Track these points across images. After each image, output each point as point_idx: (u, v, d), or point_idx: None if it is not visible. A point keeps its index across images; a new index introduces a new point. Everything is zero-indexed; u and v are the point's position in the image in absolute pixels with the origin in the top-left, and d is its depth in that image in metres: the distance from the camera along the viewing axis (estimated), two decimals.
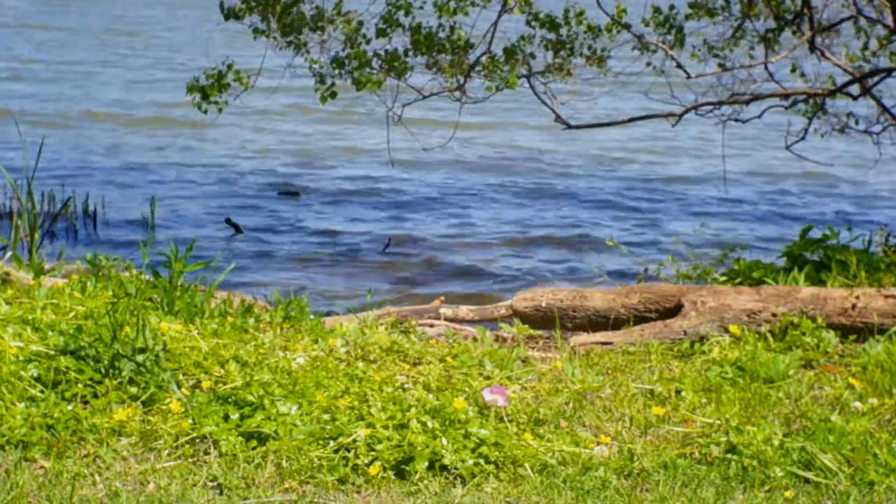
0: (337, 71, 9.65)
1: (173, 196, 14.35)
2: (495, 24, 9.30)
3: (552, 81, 9.81)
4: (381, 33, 9.56)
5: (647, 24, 9.66)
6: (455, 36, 9.56)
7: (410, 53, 9.70)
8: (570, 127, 9.83)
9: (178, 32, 31.17)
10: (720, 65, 9.78)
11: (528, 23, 9.67)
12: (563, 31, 9.65)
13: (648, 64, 10.07)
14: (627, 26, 9.53)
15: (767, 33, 9.49)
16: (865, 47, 9.75)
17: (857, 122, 10.21)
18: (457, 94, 9.68)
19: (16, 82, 22.26)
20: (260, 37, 9.69)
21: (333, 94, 9.79)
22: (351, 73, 9.54)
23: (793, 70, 9.84)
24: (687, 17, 9.85)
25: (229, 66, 9.68)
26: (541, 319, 6.35)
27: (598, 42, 9.66)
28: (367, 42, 9.67)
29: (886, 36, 9.69)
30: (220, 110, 9.80)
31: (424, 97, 9.86)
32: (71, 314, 5.05)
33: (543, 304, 6.37)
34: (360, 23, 9.63)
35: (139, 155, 16.69)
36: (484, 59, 9.56)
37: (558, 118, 9.73)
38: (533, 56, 9.76)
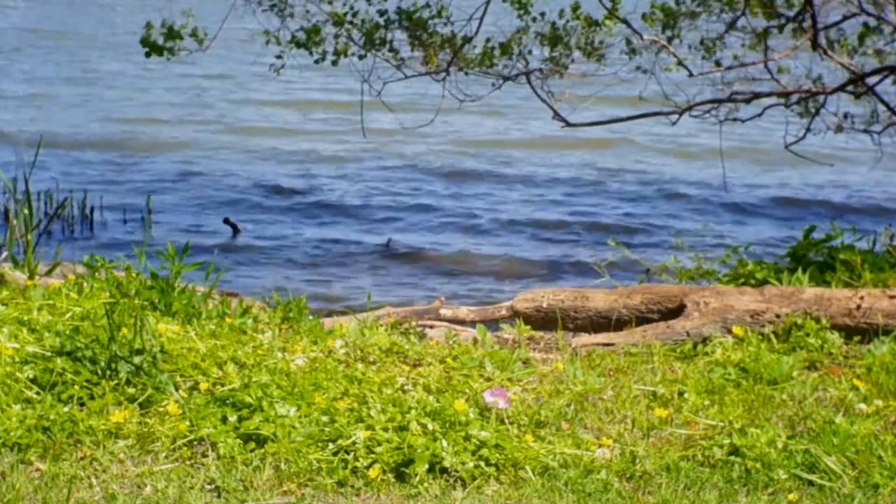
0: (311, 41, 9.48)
1: (171, 196, 14.29)
2: (486, 4, 9.18)
3: (550, 77, 9.72)
4: None
5: (647, 21, 9.57)
6: (443, 18, 9.42)
7: (394, 28, 9.56)
8: (568, 125, 9.77)
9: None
10: (717, 62, 9.72)
11: (519, 16, 9.56)
12: (560, 22, 9.54)
13: (638, 68, 10.00)
14: (626, 22, 9.45)
15: (767, 30, 9.43)
16: (861, 44, 9.68)
17: (853, 123, 10.15)
18: (440, 75, 9.53)
19: (11, 82, 22.19)
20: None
21: (298, 45, 9.59)
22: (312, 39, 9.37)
23: (780, 70, 9.76)
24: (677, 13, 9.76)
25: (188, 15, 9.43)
26: (542, 320, 6.32)
27: (594, 35, 9.54)
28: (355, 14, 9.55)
29: (875, 28, 9.62)
30: (172, 54, 9.53)
31: (406, 77, 9.75)
32: (67, 315, 5.02)
33: (544, 305, 6.34)
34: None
35: (136, 155, 16.64)
36: (475, 47, 9.43)
37: (557, 116, 9.67)
38: (530, 52, 9.66)
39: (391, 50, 9.63)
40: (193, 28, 9.44)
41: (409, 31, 9.54)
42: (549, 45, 9.57)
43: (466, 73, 9.66)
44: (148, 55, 9.56)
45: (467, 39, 9.45)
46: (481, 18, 9.37)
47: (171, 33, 9.40)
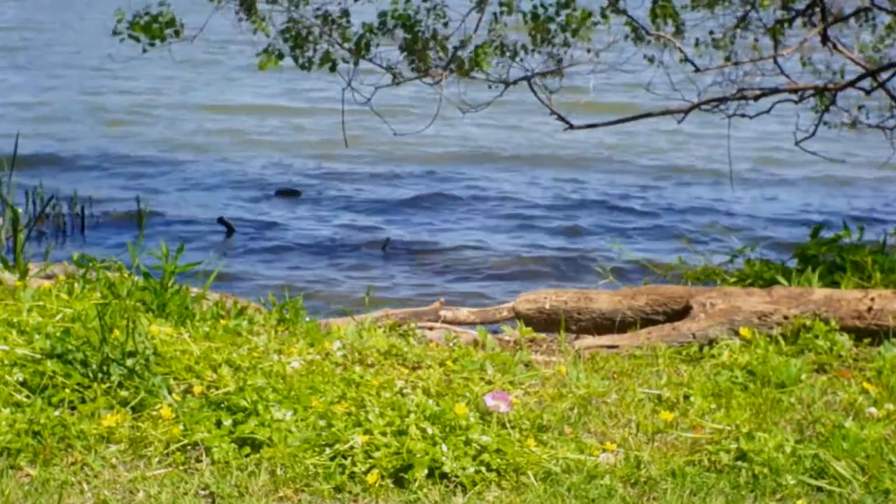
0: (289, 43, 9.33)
1: (164, 195, 14.22)
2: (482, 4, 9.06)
3: (550, 77, 9.59)
4: None
5: (653, 13, 9.45)
6: (439, 19, 9.29)
7: (380, 35, 9.42)
8: (571, 127, 9.68)
9: None
10: (726, 58, 9.62)
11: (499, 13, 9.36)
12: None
13: (645, 57, 9.88)
14: (630, 17, 9.35)
15: (777, 24, 9.34)
16: (882, 40, 9.60)
17: (867, 116, 10.08)
18: (433, 79, 9.38)
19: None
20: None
21: (279, 58, 9.49)
22: (294, 44, 9.24)
23: (804, 64, 9.69)
24: (683, 8, 9.66)
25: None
26: (544, 322, 6.26)
27: (592, 31, 9.42)
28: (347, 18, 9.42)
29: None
30: (151, 44, 9.38)
31: (398, 83, 9.61)
32: (58, 316, 4.96)
33: (547, 306, 6.27)
34: None
35: (129, 152, 16.57)
36: (470, 49, 9.28)
37: (559, 117, 9.57)
38: (525, 49, 9.52)
39: (387, 66, 9.44)
40: (170, 17, 9.27)
41: (404, 33, 9.39)
42: (537, 34, 9.40)
43: (459, 73, 9.50)
44: (138, 39, 9.36)
45: (466, 40, 9.31)
46: (479, 19, 9.24)
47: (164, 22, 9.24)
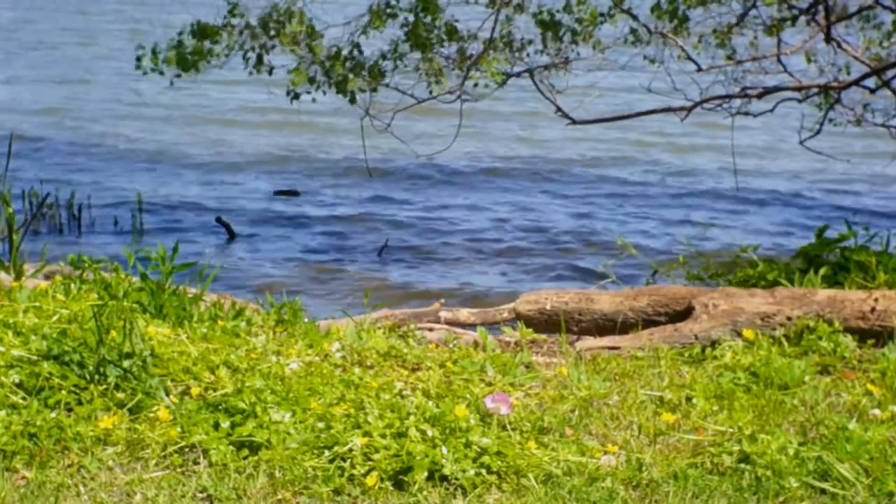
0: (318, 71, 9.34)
1: (162, 195, 14.18)
2: (497, 10, 9.04)
3: (553, 72, 9.58)
4: (376, 18, 9.23)
5: (656, 14, 9.43)
6: (450, 30, 9.28)
7: (398, 53, 9.42)
8: (574, 122, 9.66)
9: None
10: (728, 56, 9.59)
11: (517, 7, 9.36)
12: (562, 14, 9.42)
13: (646, 58, 9.85)
14: (633, 16, 9.33)
15: (778, 22, 9.31)
16: (889, 36, 9.56)
17: (873, 115, 10.05)
18: (454, 94, 9.39)
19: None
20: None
21: (297, 96, 9.57)
22: (329, 77, 9.25)
23: (808, 61, 9.64)
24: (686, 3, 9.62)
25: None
26: (545, 323, 6.22)
27: (597, 30, 9.42)
28: (358, 48, 9.41)
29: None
30: (178, 76, 9.42)
31: (419, 101, 9.61)
32: (54, 317, 4.94)
33: (548, 307, 6.24)
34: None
35: (126, 152, 16.52)
36: (485, 52, 9.28)
37: (562, 113, 9.55)
38: (531, 43, 9.51)
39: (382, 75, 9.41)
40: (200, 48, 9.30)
41: (418, 49, 9.39)
42: (547, 31, 9.39)
43: (475, 85, 9.49)
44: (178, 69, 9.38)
45: (487, 45, 9.26)
46: (492, 30, 9.22)
47: (205, 32, 9.23)
